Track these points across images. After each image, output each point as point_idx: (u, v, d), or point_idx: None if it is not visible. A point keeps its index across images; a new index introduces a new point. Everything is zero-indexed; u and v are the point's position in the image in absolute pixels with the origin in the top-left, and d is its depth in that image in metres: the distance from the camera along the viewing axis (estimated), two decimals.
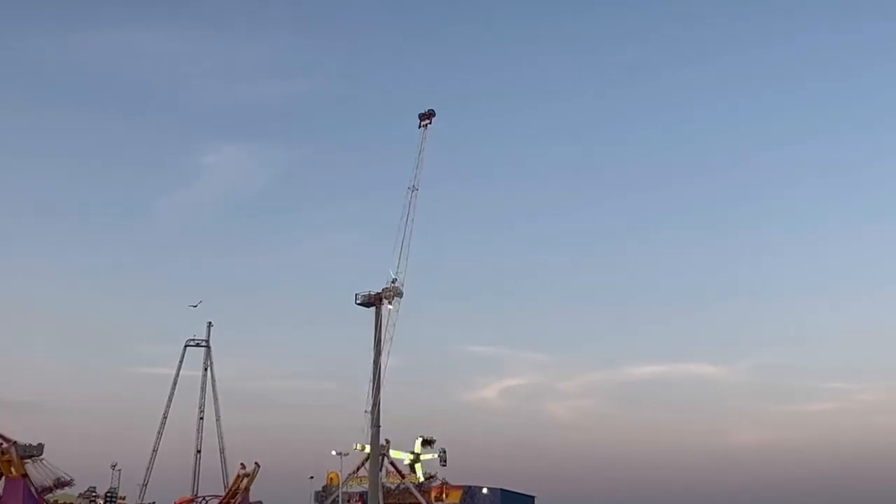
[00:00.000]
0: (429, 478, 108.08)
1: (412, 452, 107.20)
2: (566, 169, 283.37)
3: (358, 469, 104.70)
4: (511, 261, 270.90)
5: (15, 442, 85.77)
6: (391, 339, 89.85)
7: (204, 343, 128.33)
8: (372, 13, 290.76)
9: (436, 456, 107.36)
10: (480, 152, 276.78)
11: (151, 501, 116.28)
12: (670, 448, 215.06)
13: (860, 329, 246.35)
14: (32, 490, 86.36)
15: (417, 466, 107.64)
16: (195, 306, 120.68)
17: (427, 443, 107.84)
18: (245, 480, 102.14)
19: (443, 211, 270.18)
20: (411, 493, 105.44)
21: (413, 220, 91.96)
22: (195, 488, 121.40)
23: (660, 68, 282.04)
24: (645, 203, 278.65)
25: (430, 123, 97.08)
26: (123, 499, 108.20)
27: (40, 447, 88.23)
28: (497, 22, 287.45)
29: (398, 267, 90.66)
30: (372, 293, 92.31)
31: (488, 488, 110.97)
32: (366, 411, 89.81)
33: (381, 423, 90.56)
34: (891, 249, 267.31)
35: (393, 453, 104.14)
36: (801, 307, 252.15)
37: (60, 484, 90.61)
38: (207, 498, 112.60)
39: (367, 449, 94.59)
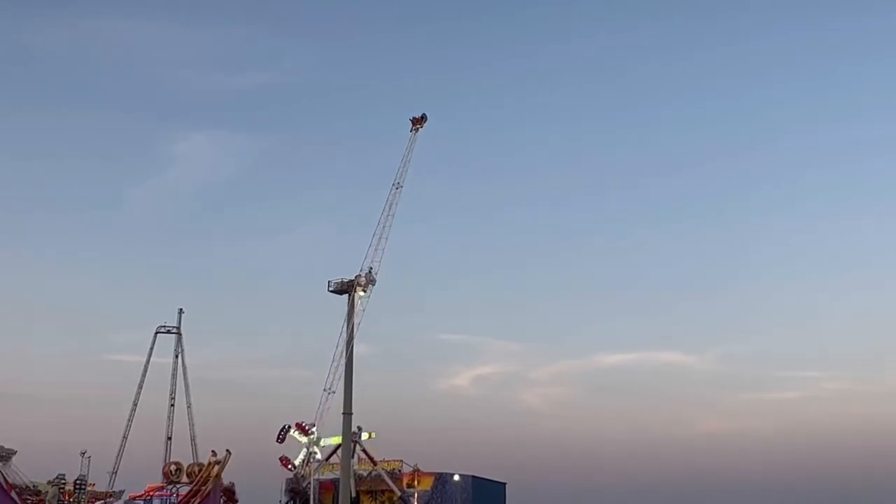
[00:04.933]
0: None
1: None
2: (545, 160, 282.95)
3: (329, 457, 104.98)
4: (483, 249, 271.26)
5: None
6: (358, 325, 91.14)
7: (175, 330, 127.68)
8: (347, 1, 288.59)
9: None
10: (459, 143, 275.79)
11: (121, 489, 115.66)
12: (641, 436, 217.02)
13: (827, 318, 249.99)
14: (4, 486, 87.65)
15: None
16: None
17: None
18: (216, 468, 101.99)
19: (415, 199, 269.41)
20: (383, 480, 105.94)
21: (394, 215, 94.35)
22: None
23: (654, 57, 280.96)
24: (618, 196, 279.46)
25: (420, 128, 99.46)
26: (93, 486, 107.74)
27: (10, 453, 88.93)
28: (477, 10, 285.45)
29: (373, 258, 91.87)
30: (345, 280, 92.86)
31: (460, 475, 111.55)
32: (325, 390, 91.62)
33: (352, 410, 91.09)
34: (858, 240, 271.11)
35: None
36: (770, 296, 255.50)
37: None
38: (178, 485, 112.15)
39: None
